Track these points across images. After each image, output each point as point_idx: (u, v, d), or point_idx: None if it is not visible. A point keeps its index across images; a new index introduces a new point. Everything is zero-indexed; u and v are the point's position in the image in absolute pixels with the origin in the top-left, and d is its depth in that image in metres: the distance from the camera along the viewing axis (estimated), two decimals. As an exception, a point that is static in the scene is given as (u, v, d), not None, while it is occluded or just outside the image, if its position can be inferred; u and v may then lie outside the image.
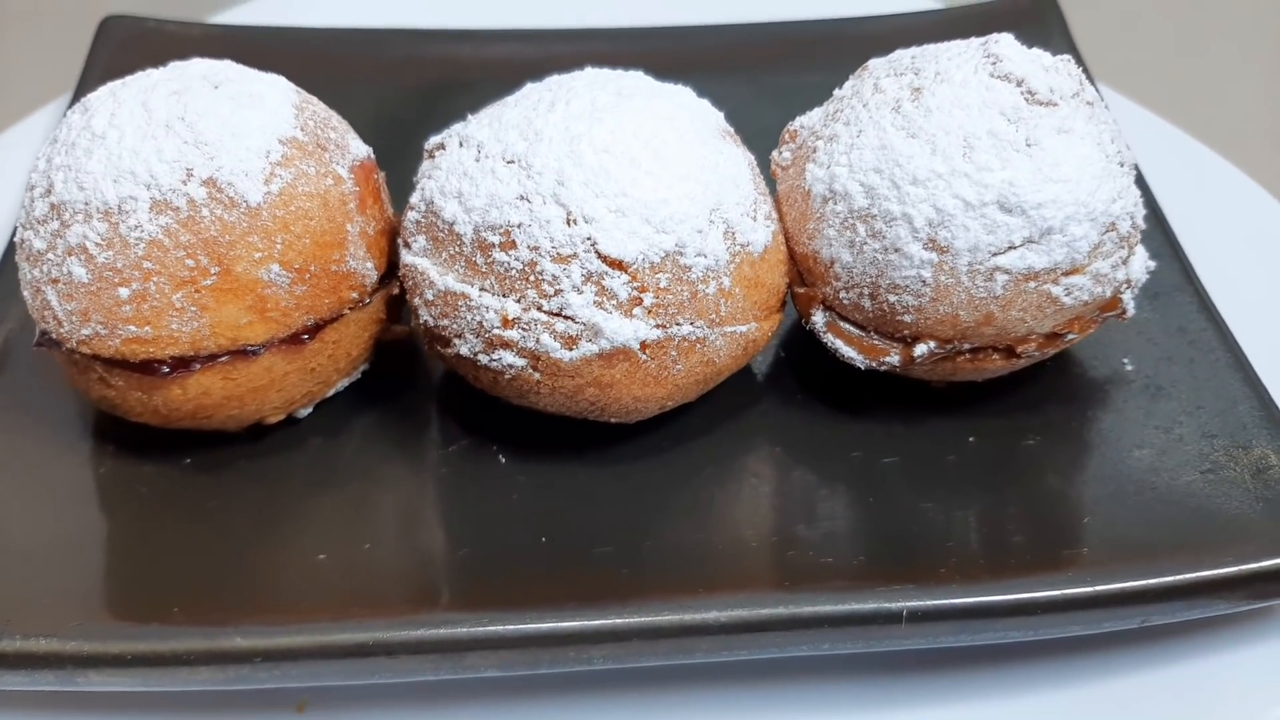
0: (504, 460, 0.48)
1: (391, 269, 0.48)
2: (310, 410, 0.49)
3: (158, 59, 0.66)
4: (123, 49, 0.68)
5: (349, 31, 0.71)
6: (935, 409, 0.50)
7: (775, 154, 0.50)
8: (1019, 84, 0.43)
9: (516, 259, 0.42)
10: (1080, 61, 0.66)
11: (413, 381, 0.52)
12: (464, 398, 0.51)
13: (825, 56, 0.67)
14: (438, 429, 0.50)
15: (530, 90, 0.47)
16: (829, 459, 0.48)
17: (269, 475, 0.48)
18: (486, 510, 0.46)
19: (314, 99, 0.47)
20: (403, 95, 0.67)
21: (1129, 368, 0.51)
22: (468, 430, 0.50)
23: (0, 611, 0.41)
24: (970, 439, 0.49)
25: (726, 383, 0.50)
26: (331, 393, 0.49)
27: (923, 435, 0.49)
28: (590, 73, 0.47)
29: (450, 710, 0.45)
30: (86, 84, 0.65)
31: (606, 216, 0.42)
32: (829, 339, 0.48)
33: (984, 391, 0.50)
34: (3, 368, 0.51)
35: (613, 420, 0.47)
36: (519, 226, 0.42)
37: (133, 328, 0.41)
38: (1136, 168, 0.53)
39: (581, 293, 0.42)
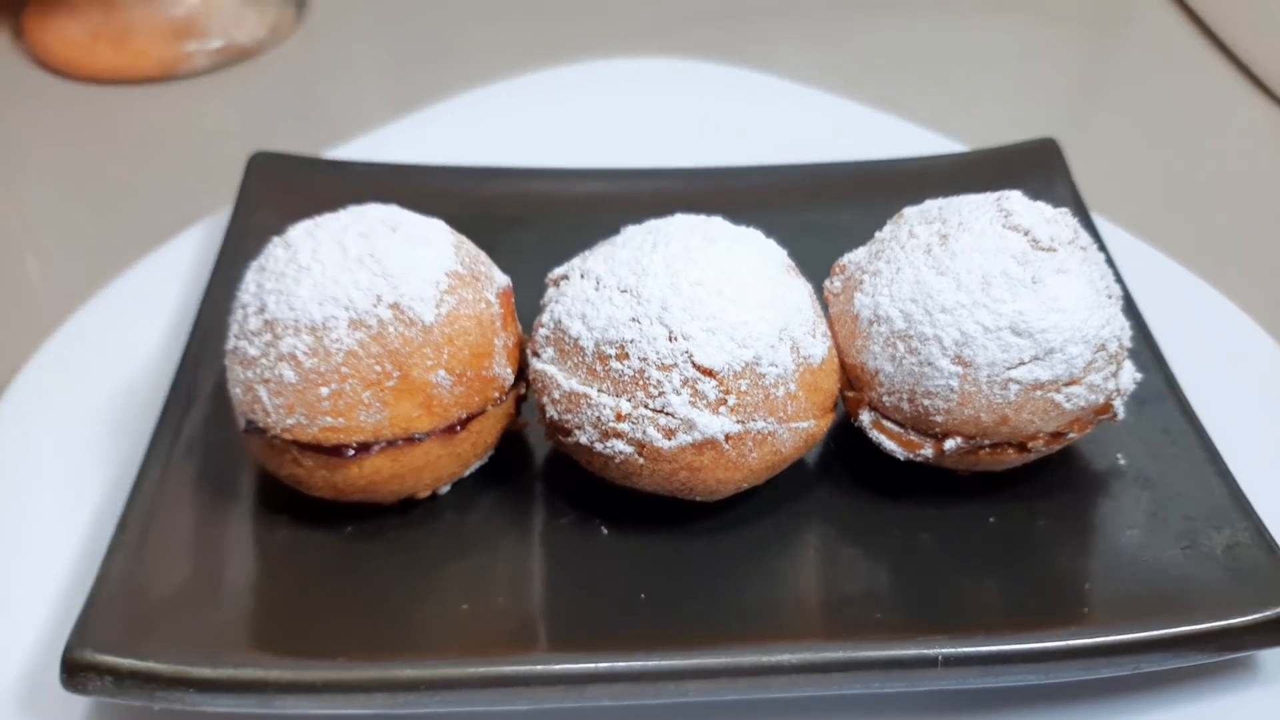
0: (606, 532, 0.58)
1: (520, 373, 0.59)
2: (449, 489, 0.59)
3: (295, 190, 0.79)
4: (265, 180, 0.80)
5: (438, 169, 0.81)
6: (961, 495, 0.60)
7: (828, 283, 0.61)
8: (1026, 234, 0.55)
9: (629, 367, 0.53)
10: (1079, 198, 0.77)
11: (524, 468, 0.63)
12: (568, 480, 0.61)
13: (861, 194, 0.79)
14: (548, 506, 0.60)
15: (633, 233, 0.58)
16: (873, 535, 0.58)
17: (415, 542, 0.58)
18: (594, 572, 0.56)
19: (465, 239, 0.59)
20: (474, 224, 0.76)
21: (1122, 462, 0.61)
22: (573, 507, 0.60)
23: (214, 647, 0.52)
24: (991, 520, 0.59)
25: (787, 472, 0.61)
26: (466, 473, 0.59)
27: (951, 516, 0.59)
28: (680, 219, 0.59)
29: None
30: (241, 210, 0.77)
31: (700, 335, 0.53)
32: (874, 435, 0.58)
33: (1002, 481, 0.60)
34: (190, 454, 0.61)
35: (698, 498, 0.57)
36: (631, 342, 0.53)
37: (329, 419, 0.52)
38: (1127, 294, 0.64)
39: (680, 394, 0.53)
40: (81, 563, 0.59)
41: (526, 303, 0.62)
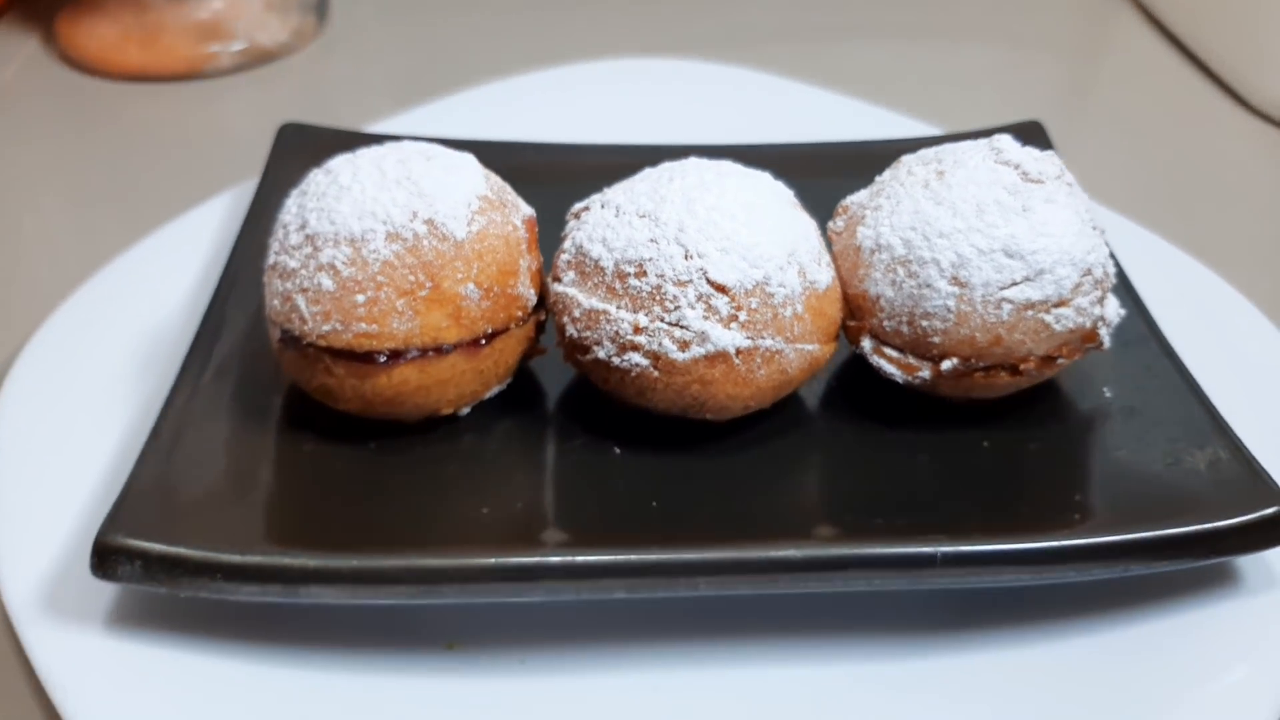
0: (618, 451, 0.61)
1: (539, 302, 0.63)
2: (469, 410, 0.62)
3: (323, 156, 0.82)
4: (294, 149, 0.84)
5: (461, 141, 0.84)
6: (956, 423, 0.63)
7: (831, 224, 0.65)
8: (1016, 167, 0.59)
9: (646, 284, 0.57)
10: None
11: (539, 399, 0.66)
12: (581, 409, 0.64)
13: (850, 169, 0.83)
14: (562, 430, 0.63)
15: (650, 172, 0.62)
16: (874, 456, 0.61)
17: (436, 457, 0.60)
18: (607, 484, 0.59)
19: (493, 173, 0.63)
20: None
21: (1109, 395, 0.64)
22: (586, 431, 0.63)
23: (241, 537, 0.54)
24: (984, 444, 0.62)
25: (792, 404, 0.64)
26: (487, 396, 0.62)
27: (947, 441, 0.62)
28: (694, 159, 0.63)
29: (569, 657, 0.56)
30: (271, 173, 0.81)
31: (715, 254, 0.57)
32: (875, 360, 0.62)
33: (995, 411, 0.63)
34: (221, 376, 0.64)
35: (708, 417, 0.60)
36: (649, 260, 0.57)
37: (363, 325, 0.56)
38: (1108, 245, 0.68)
39: (694, 309, 0.56)
40: (113, 475, 0.61)
41: (546, 248, 0.65)
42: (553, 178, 0.82)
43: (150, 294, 0.75)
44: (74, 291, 0.74)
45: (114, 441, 0.64)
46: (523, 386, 0.66)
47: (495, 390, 0.63)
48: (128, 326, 0.72)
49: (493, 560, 0.53)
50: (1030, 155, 0.60)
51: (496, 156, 0.83)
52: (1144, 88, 1.15)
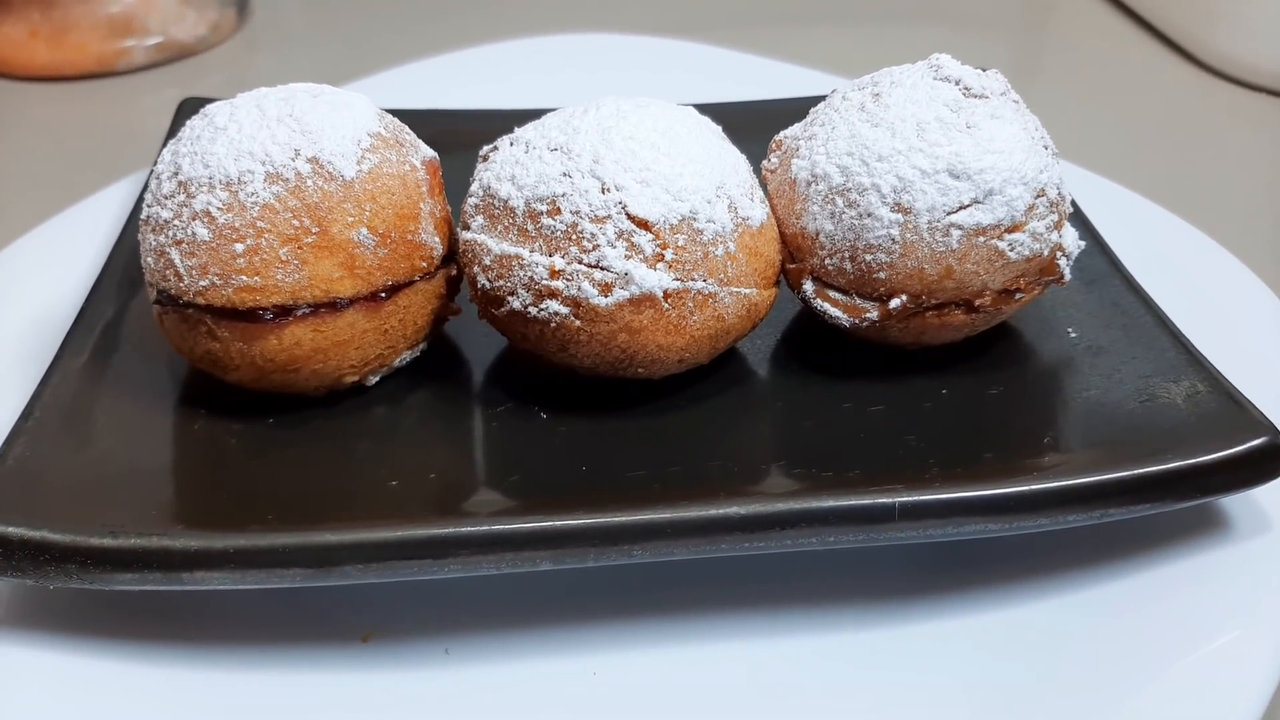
0: (545, 416, 0.56)
1: (449, 254, 0.57)
2: (378, 378, 0.56)
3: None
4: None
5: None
6: (912, 371, 0.58)
7: (765, 162, 0.60)
8: (957, 83, 0.54)
9: (561, 222, 0.51)
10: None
11: (459, 366, 0.60)
12: (505, 376, 0.59)
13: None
14: (485, 397, 0.57)
15: (563, 108, 0.57)
16: (825, 409, 0.56)
17: (343, 430, 0.55)
18: (532, 450, 0.53)
19: (389, 115, 0.57)
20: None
21: (1073, 335, 0.59)
22: (511, 397, 0.57)
23: (119, 521, 0.48)
24: (943, 391, 0.57)
25: (733, 362, 0.59)
26: (397, 362, 0.56)
27: (903, 390, 0.57)
28: (610, 96, 0.58)
29: (498, 644, 0.50)
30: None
31: (634, 186, 0.51)
32: (818, 304, 0.56)
33: (952, 358, 0.58)
34: (107, 355, 0.58)
35: (640, 372, 0.55)
36: (563, 196, 0.51)
37: (244, 278, 0.50)
38: (1074, 203, 0.63)
39: (615, 247, 0.51)
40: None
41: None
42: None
43: (43, 279, 0.69)
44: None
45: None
46: (440, 354, 0.60)
47: (407, 356, 0.57)
48: (19, 313, 0.66)
49: (398, 533, 0.47)
50: (972, 73, 0.55)
51: (428, 122, 0.78)
52: (1096, 55, 1.13)
